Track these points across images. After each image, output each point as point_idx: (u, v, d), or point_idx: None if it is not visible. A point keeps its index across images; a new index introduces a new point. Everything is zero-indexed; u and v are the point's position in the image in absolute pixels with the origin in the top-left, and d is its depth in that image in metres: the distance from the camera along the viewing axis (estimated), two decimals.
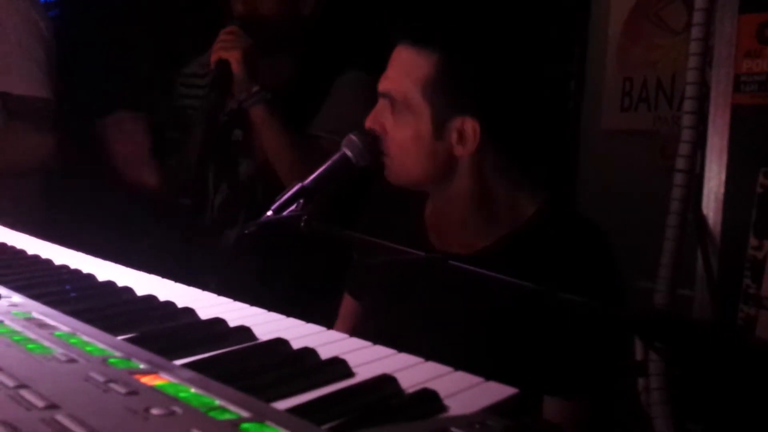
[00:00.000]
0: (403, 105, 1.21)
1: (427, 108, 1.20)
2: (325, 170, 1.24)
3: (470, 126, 1.19)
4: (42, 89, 1.87)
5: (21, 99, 1.85)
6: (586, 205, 2.19)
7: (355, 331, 0.72)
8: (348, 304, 1.48)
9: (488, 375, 0.60)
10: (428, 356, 0.64)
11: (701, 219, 1.28)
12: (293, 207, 1.18)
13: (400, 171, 1.26)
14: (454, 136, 1.20)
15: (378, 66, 1.32)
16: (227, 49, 1.68)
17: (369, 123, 1.27)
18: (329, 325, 0.75)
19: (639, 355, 1.20)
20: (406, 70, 1.22)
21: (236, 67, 1.67)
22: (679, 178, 1.24)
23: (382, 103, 1.26)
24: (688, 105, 1.25)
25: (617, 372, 1.07)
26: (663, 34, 2.04)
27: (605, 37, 2.18)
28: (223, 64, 1.67)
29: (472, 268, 0.94)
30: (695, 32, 1.23)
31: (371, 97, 1.30)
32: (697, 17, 1.23)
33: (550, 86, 2.26)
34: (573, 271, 1.15)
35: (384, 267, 1.31)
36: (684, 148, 1.25)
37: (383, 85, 1.26)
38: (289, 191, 1.19)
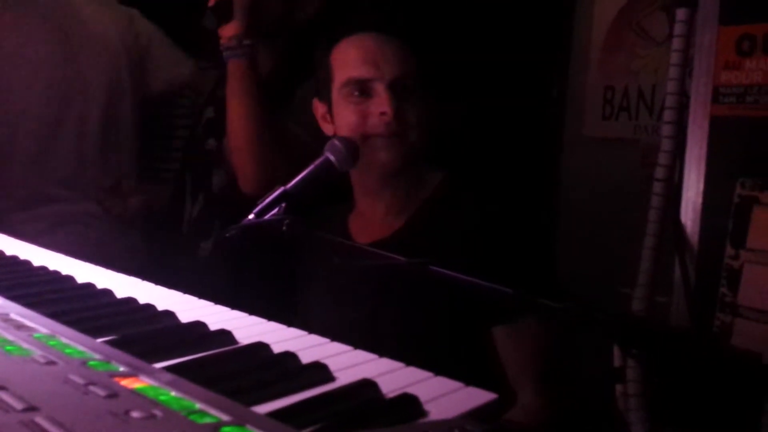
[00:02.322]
0: (416, 84, 1.32)
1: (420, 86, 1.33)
2: (307, 174, 1.24)
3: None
4: None
5: None
6: (567, 211, 2.21)
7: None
8: None
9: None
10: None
11: (679, 227, 1.29)
12: (275, 211, 1.18)
13: (419, 142, 1.32)
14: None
15: None
16: None
17: (394, 107, 1.29)
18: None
19: (617, 362, 1.22)
20: (409, 54, 1.33)
21: (238, 6, 1.57)
22: (657, 187, 1.26)
23: (392, 88, 1.30)
24: (667, 115, 1.27)
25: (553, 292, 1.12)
26: (645, 44, 2.06)
27: (588, 45, 2.20)
28: (225, 1, 1.58)
29: (452, 273, 0.95)
30: (676, 43, 1.25)
31: None
32: (678, 29, 1.25)
33: (533, 92, 2.28)
34: (480, 229, 1.28)
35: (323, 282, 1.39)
36: (663, 158, 1.26)
37: (398, 69, 1.30)
38: (271, 195, 1.19)
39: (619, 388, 1.23)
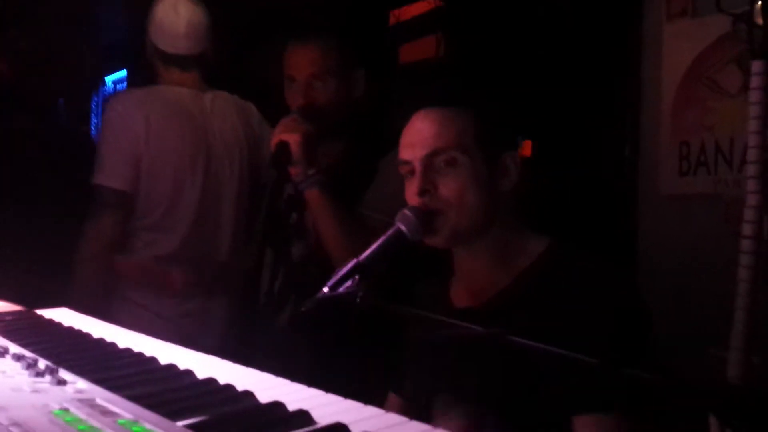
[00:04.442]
0: (456, 155, 1.28)
1: (479, 152, 1.29)
2: (379, 246, 1.25)
3: (512, 159, 1.32)
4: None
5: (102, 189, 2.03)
6: (648, 273, 2.13)
7: None
8: (392, 405, 1.45)
9: None
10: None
11: None
12: (349, 283, 1.18)
13: (461, 219, 1.27)
14: (500, 173, 1.31)
15: None
16: (288, 132, 1.75)
17: (421, 186, 1.28)
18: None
19: None
20: (451, 126, 1.30)
21: (295, 149, 1.73)
22: (746, 245, 1.20)
23: (425, 166, 1.29)
24: (751, 169, 1.22)
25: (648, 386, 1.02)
26: (718, 98, 2.01)
27: (658, 102, 2.16)
28: (283, 145, 1.74)
29: (532, 343, 0.92)
30: (753, 96, 1.22)
31: None
32: (755, 81, 1.21)
33: (603, 151, 2.25)
34: (592, 302, 1.19)
35: (429, 351, 1.32)
36: (749, 214, 1.21)
37: (429, 146, 1.29)
38: (344, 268, 1.20)
39: None
